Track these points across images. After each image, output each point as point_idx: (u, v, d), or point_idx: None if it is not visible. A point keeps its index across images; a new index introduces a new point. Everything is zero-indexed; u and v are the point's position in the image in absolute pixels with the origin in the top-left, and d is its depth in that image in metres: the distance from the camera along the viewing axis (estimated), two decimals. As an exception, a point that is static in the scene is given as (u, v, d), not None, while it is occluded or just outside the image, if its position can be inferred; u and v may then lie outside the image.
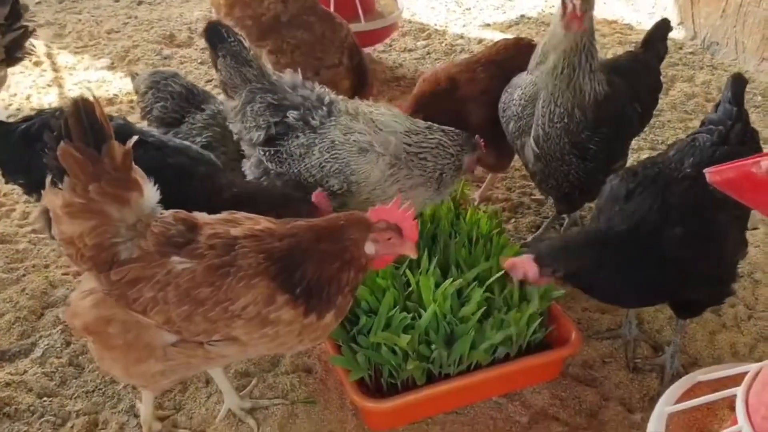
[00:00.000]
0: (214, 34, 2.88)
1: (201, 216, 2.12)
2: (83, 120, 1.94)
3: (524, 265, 2.33)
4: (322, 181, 2.78)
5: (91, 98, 1.98)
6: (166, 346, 2.05)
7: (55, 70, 5.46)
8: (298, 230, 2.07)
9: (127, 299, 2.00)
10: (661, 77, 3.43)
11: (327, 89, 2.95)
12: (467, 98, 3.44)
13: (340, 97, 2.95)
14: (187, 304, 1.96)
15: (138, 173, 2.07)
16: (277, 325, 2.00)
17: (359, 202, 2.82)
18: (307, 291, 2.00)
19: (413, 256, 2.15)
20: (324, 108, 2.83)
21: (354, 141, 2.75)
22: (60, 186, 2.01)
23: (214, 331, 2.00)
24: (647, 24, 5.98)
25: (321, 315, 2.04)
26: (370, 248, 2.05)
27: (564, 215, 3.55)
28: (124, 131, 2.43)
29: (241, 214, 2.14)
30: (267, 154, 2.85)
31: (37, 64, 5.47)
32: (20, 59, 3.93)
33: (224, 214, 2.14)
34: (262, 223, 2.10)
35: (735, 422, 1.89)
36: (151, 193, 2.10)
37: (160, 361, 2.07)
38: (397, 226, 2.05)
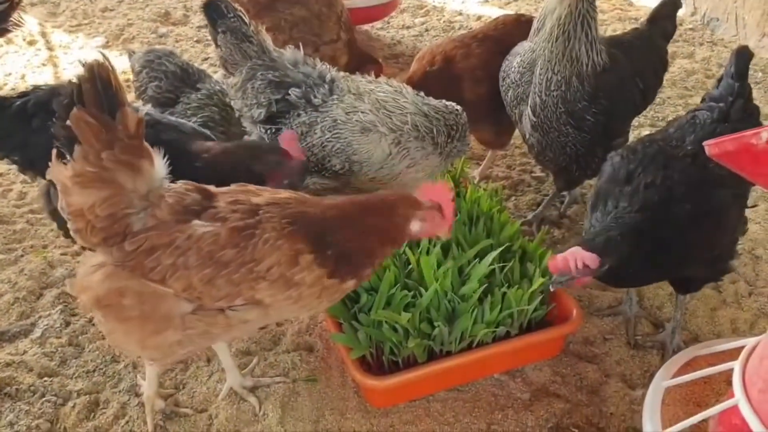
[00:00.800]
0: (214, 9, 2.84)
1: (212, 187, 2.12)
2: (98, 85, 1.90)
3: (580, 257, 2.18)
4: (324, 161, 2.77)
5: (106, 64, 1.94)
6: (185, 314, 2.02)
7: (50, 49, 5.41)
8: (344, 204, 2.10)
9: (144, 268, 1.97)
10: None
11: (328, 66, 2.92)
12: (462, 74, 3.41)
13: (341, 73, 2.93)
14: (209, 267, 1.94)
15: (146, 144, 2.05)
16: (300, 287, 2.00)
17: (365, 182, 2.80)
18: (340, 257, 2.01)
19: (445, 237, 2.20)
20: (326, 86, 2.80)
21: (357, 120, 2.72)
22: (66, 160, 1.97)
23: (237, 294, 1.98)
24: (647, 0, 5.95)
25: (344, 280, 2.06)
26: (416, 226, 2.08)
27: (564, 193, 3.54)
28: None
29: (254, 187, 2.15)
30: (268, 132, 2.82)
31: (31, 43, 5.42)
32: (8, 31, 3.87)
33: (235, 186, 2.14)
34: (284, 194, 2.12)
35: (732, 396, 1.91)
36: (161, 163, 2.08)
37: (179, 331, 2.04)
38: (440, 206, 2.09)
